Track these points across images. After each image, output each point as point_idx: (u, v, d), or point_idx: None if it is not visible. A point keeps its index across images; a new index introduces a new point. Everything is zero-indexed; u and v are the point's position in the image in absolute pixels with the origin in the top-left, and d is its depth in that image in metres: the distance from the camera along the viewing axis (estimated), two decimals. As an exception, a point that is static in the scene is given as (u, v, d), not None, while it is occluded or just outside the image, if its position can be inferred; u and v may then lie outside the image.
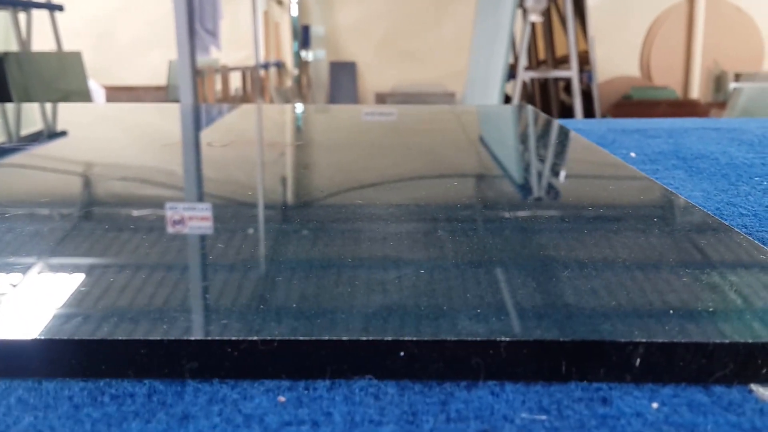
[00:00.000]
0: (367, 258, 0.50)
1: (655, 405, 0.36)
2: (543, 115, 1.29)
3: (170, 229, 0.57)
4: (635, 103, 6.14)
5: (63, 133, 1.12)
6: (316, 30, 7.04)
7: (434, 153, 0.91)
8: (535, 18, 4.73)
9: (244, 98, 6.19)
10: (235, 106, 1.41)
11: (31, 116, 1.36)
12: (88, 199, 0.70)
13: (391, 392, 0.36)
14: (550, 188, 0.76)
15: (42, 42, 4.37)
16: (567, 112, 5.13)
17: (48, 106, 1.53)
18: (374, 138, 1.07)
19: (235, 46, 6.16)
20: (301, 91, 7.05)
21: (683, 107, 6.13)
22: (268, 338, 0.36)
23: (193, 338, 0.36)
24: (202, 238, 0.55)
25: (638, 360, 0.37)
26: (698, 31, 6.66)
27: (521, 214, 0.63)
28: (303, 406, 0.35)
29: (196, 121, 1.27)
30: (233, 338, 0.36)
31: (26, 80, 3.83)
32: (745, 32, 6.59)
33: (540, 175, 0.82)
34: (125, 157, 0.91)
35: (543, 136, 1.13)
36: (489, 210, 0.64)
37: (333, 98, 7.04)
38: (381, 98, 6.97)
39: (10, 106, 1.46)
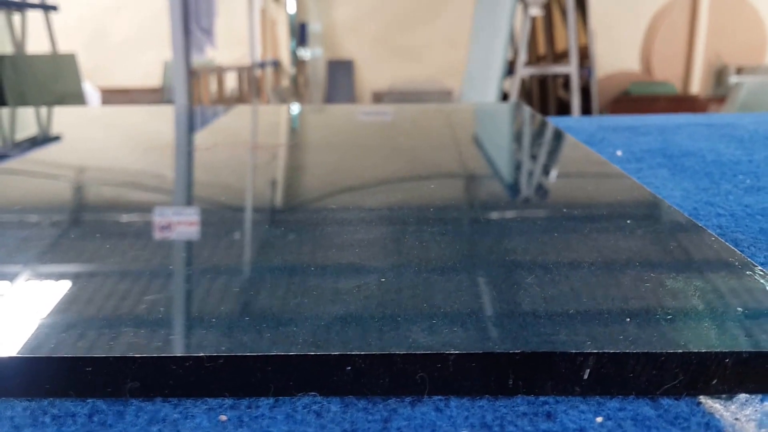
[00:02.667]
0: (320, 268, 0.49)
1: (599, 419, 0.36)
2: (533, 114, 1.29)
3: (121, 240, 0.56)
4: (634, 99, 6.11)
5: (56, 138, 1.12)
6: (314, 28, 7.01)
7: (416, 154, 0.91)
8: (536, 12, 4.71)
9: (240, 98, 6.17)
10: (228, 108, 1.41)
11: (26, 120, 1.35)
12: (54, 207, 0.70)
13: (334, 409, 0.36)
14: (521, 191, 0.76)
15: (36, 43, 4.36)
16: (565, 108, 5.11)
17: (43, 110, 1.53)
18: (359, 140, 1.06)
19: (231, 45, 6.14)
20: (298, 90, 7.03)
21: (682, 102, 6.11)
22: (214, 354, 0.36)
23: (136, 356, 0.36)
24: (152, 249, 0.55)
25: (587, 372, 0.37)
26: (701, 24, 6.63)
27: (486, 217, 0.63)
28: (243, 426, 0.35)
29: (183, 124, 1.26)
30: (177, 355, 0.36)
31: (21, 83, 3.82)
32: (748, 24, 6.56)
33: (514, 177, 0.82)
34: (102, 161, 0.91)
35: (528, 135, 1.13)
36: (453, 214, 0.64)
37: (330, 97, 7.02)
38: (378, 97, 6.95)
39: (5, 111, 1.45)
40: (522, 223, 0.61)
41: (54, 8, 4.30)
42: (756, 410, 0.37)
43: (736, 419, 0.36)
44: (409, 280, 0.47)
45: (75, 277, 0.48)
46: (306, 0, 7.08)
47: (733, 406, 0.37)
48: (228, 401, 0.37)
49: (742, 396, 0.38)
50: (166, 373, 0.36)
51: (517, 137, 1.13)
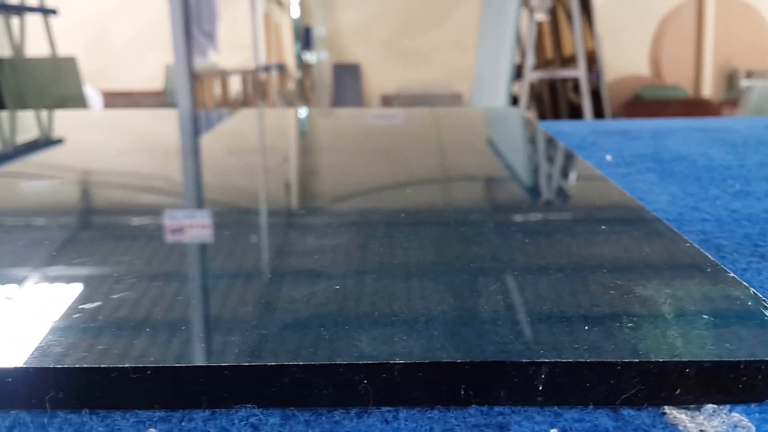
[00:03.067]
0: (272, 275, 0.48)
1: (553, 431, 0.34)
2: (525, 118, 1.28)
3: (58, 248, 0.55)
4: (646, 103, 6.11)
5: (59, 141, 1.12)
6: (318, 31, 7.02)
7: (394, 158, 0.90)
8: (541, 16, 4.71)
9: (245, 102, 6.17)
10: (232, 112, 1.41)
11: (25, 124, 1.35)
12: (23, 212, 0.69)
13: (272, 422, 0.35)
14: (493, 196, 0.74)
15: (35, 46, 4.37)
16: (576, 112, 5.11)
17: (43, 114, 1.52)
18: (352, 145, 1.05)
19: (235, 48, 6.15)
20: (304, 94, 7.04)
21: (694, 106, 6.11)
22: (140, 365, 0.35)
23: (59, 366, 0.35)
24: (90, 255, 0.53)
25: (542, 381, 0.36)
26: (708, 29, 6.63)
27: (454, 222, 0.61)
28: (172, 439, 0.33)
29: (182, 128, 1.25)
30: (102, 366, 0.35)
31: (21, 86, 3.83)
32: (755, 29, 6.56)
33: (488, 182, 0.80)
34: (101, 164, 0.90)
35: (513, 139, 1.11)
36: (422, 219, 0.62)
37: (337, 101, 7.02)
38: (387, 100, 6.96)
39: (4, 114, 1.45)
40: (489, 228, 0.59)
41: (53, 12, 4.31)
42: (723, 421, 0.35)
43: (702, 430, 0.34)
44: (367, 287, 0.45)
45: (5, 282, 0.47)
46: (310, 4, 7.09)
47: (700, 417, 0.35)
48: (160, 413, 0.35)
49: (710, 406, 0.36)
50: (91, 385, 0.35)
51: (501, 141, 1.11)
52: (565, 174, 0.82)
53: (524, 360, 0.35)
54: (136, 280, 0.46)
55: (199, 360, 0.35)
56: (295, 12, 6.99)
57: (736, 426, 0.35)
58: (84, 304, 0.43)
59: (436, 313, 0.41)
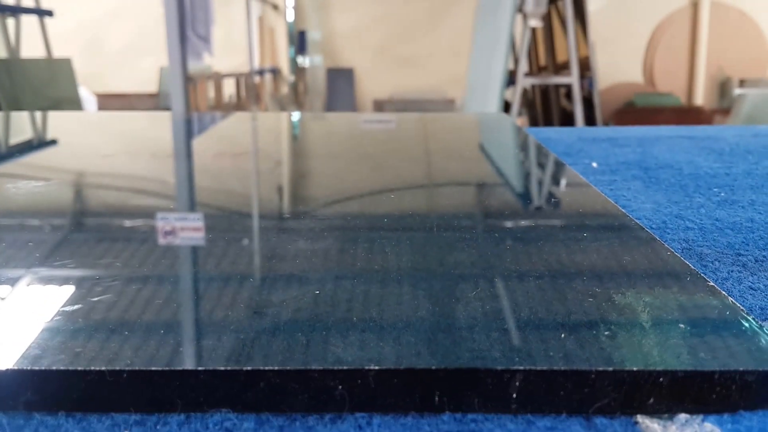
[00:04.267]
0: (240, 279, 0.48)
1: (525, 439, 0.34)
2: (514, 124, 1.28)
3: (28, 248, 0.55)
4: (638, 110, 6.11)
5: (53, 142, 1.12)
6: (313, 35, 7.01)
7: (381, 164, 0.90)
8: (535, 23, 4.71)
9: (239, 105, 6.16)
10: (225, 115, 1.40)
11: (21, 126, 1.35)
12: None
13: (247, 427, 0.35)
14: (475, 203, 0.74)
15: (31, 48, 4.36)
16: (568, 119, 5.10)
17: (38, 115, 1.52)
18: (341, 150, 1.05)
19: (230, 52, 6.14)
20: (297, 98, 7.02)
21: (687, 114, 6.10)
22: (116, 369, 0.35)
23: (36, 368, 0.35)
24: (68, 257, 0.53)
25: (516, 389, 0.36)
26: (702, 37, 6.63)
27: (435, 229, 0.61)
28: (146, 443, 0.33)
29: (174, 131, 1.25)
30: (78, 368, 0.35)
31: (16, 88, 3.82)
32: (749, 37, 6.56)
33: (471, 188, 0.80)
34: (89, 166, 0.89)
35: (502, 147, 1.11)
36: (404, 225, 0.62)
37: (330, 105, 7.01)
38: (379, 105, 6.94)
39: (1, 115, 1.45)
40: (469, 235, 0.59)
41: (49, 13, 4.30)
42: (696, 430, 0.35)
43: (674, 440, 0.35)
44: (345, 293, 0.45)
45: None
46: (305, 8, 7.08)
47: (672, 427, 0.36)
48: (135, 417, 0.35)
49: (683, 416, 0.36)
50: (67, 387, 0.35)
51: (487, 148, 1.11)
52: (549, 181, 0.82)
53: (499, 368, 0.35)
54: (113, 284, 0.46)
55: (174, 364, 0.35)
56: (290, 16, 6.97)
57: (707, 436, 0.35)
58: (61, 306, 0.43)
59: (414, 319, 0.41)
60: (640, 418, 0.36)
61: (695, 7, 6.69)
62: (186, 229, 0.61)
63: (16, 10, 4.15)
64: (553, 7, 5.12)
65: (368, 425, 0.35)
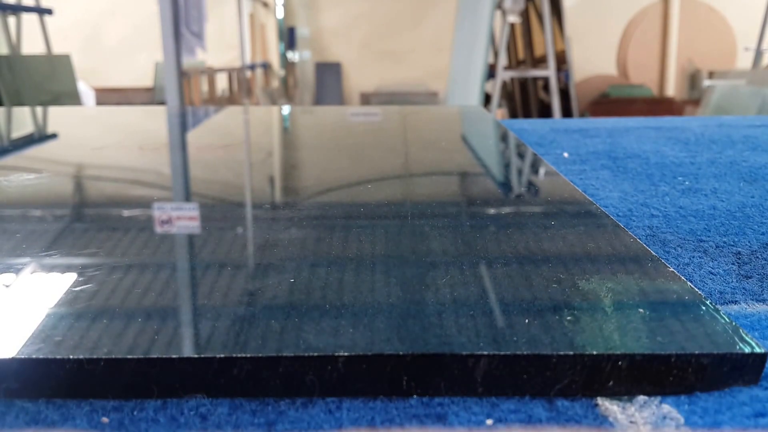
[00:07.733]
0: (215, 267, 0.47)
1: (489, 421, 0.34)
2: (489, 116, 1.27)
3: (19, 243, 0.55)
4: (613, 101, 6.11)
5: (53, 135, 1.11)
6: (302, 31, 6.99)
7: (357, 155, 0.89)
8: (514, 19, 4.70)
9: (231, 99, 6.14)
10: (218, 108, 1.40)
11: (22, 120, 1.34)
12: None
13: (220, 411, 0.34)
14: (446, 191, 0.73)
15: (31, 45, 4.34)
16: (546, 110, 5.11)
17: (39, 109, 1.51)
18: (328, 142, 1.05)
19: (222, 47, 6.12)
20: (287, 91, 7.01)
21: (659, 104, 6.11)
22: (94, 357, 0.34)
23: (16, 356, 0.34)
24: (42, 248, 0.53)
25: (481, 373, 0.35)
26: (673, 31, 6.64)
27: (406, 217, 0.60)
28: (122, 428, 0.33)
29: (170, 124, 1.25)
30: (57, 357, 0.34)
31: (17, 83, 3.80)
32: (718, 31, 6.57)
33: (447, 176, 0.80)
34: (86, 158, 0.89)
35: (477, 137, 1.11)
36: (378, 213, 0.61)
37: (319, 98, 7.00)
38: (366, 98, 6.94)
39: (1, 110, 1.44)
40: (439, 222, 0.58)
41: (49, 11, 4.28)
42: (653, 412, 0.35)
43: (632, 422, 0.34)
44: (319, 281, 0.45)
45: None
46: (294, 5, 7.06)
47: (631, 408, 0.35)
48: (113, 403, 0.35)
49: (641, 398, 0.36)
50: (46, 375, 0.34)
51: (463, 139, 1.11)
52: (519, 171, 0.82)
53: (464, 353, 0.35)
54: (93, 273, 0.46)
55: (150, 351, 0.35)
56: (280, 13, 6.96)
57: (665, 417, 0.35)
58: (44, 296, 0.42)
59: (385, 306, 0.41)
60: (600, 400, 0.36)
61: (666, 2, 6.70)
62: (182, 218, 0.60)
63: (17, 9, 4.13)
64: (531, 3, 5.12)
65: (338, 409, 0.35)
